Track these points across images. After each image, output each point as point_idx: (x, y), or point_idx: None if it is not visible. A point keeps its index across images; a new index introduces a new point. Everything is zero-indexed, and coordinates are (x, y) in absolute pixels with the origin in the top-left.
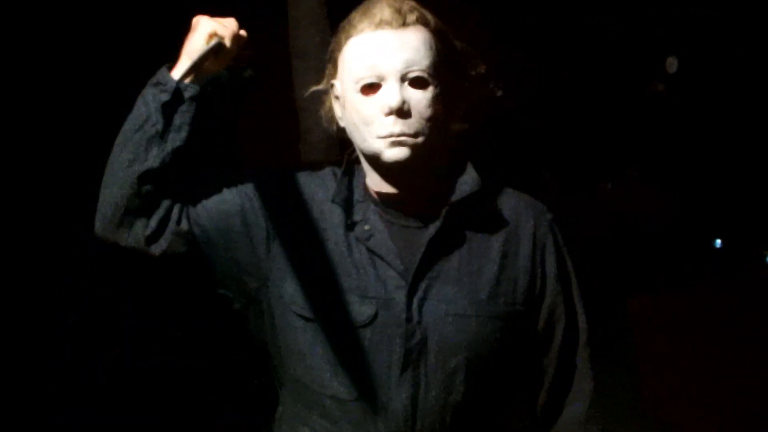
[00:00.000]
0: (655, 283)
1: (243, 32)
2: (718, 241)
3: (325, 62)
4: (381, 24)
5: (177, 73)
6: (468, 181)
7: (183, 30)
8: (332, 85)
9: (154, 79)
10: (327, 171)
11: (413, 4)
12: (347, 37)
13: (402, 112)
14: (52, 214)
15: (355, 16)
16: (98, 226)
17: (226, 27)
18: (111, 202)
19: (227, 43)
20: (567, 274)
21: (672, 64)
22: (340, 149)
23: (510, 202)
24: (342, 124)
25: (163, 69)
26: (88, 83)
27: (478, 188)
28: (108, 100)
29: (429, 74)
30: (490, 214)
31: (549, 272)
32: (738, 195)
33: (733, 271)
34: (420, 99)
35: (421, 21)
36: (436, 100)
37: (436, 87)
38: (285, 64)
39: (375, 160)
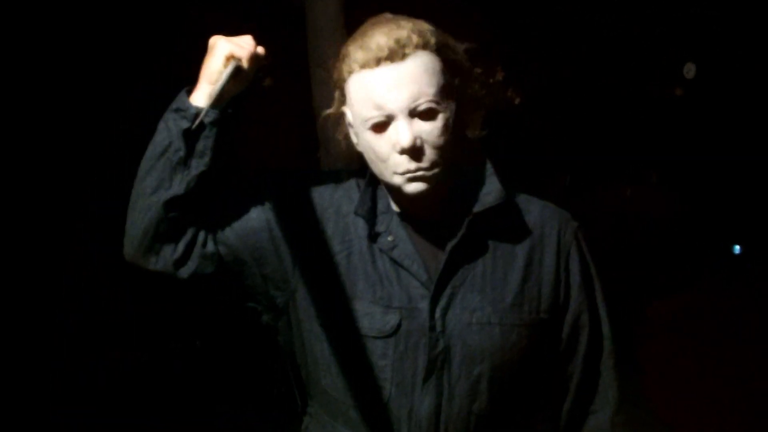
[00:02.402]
0: (656, 285)
1: (260, 49)
2: (737, 247)
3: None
4: (381, 60)
5: (196, 98)
6: (492, 191)
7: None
8: (343, 113)
9: (174, 105)
10: (351, 182)
11: (410, 26)
12: (349, 72)
13: (415, 148)
14: (51, 214)
15: (354, 48)
16: (127, 251)
17: (242, 48)
18: (138, 228)
19: (245, 64)
20: (591, 282)
21: (690, 69)
22: (361, 158)
23: (534, 210)
24: (358, 149)
25: (183, 94)
26: (86, 86)
27: (502, 200)
28: (107, 102)
29: (437, 101)
30: (515, 222)
31: (573, 280)
32: (755, 198)
33: (739, 272)
34: (431, 130)
35: (421, 45)
36: (447, 126)
37: (446, 111)
38: (304, 72)
39: (396, 191)
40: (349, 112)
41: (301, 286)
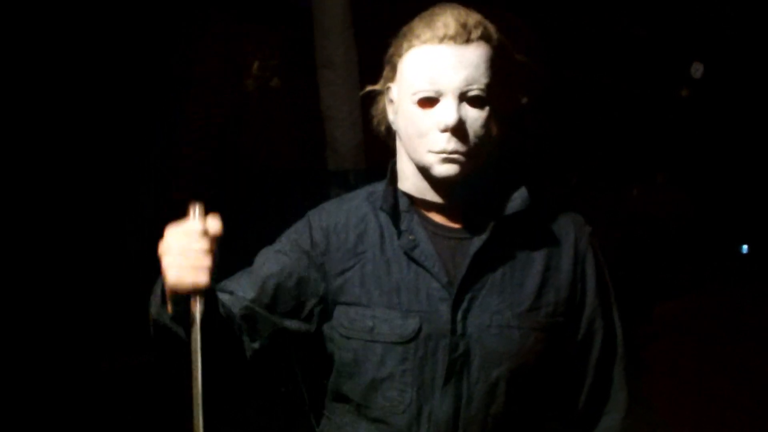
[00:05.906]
0: (663, 285)
1: (216, 227)
2: (745, 247)
3: (350, 71)
4: (445, 38)
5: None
6: (518, 197)
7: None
8: (388, 88)
9: (154, 297)
10: (361, 192)
11: (479, 18)
12: (409, 46)
13: (457, 130)
14: (52, 214)
15: (419, 25)
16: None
17: (189, 274)
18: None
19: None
20: (606, 288)
21: (698, 69)
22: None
23: (552, 215)
24: (393, 127)
25: (158, 291)
26: (86, 85)
27: (527, 206)
28: (107, 102)
29: (487, 93)
30: (533, 227)
31: (589, 285)
32: (762, 197)
33: (746, 272)
34: (476, 118)
35: (485, 37)
36: (491, 119)
37: (493, 105)
38: (311, 73)
39: (424, 171)
40: (396, 88)
41: (322, 299)
